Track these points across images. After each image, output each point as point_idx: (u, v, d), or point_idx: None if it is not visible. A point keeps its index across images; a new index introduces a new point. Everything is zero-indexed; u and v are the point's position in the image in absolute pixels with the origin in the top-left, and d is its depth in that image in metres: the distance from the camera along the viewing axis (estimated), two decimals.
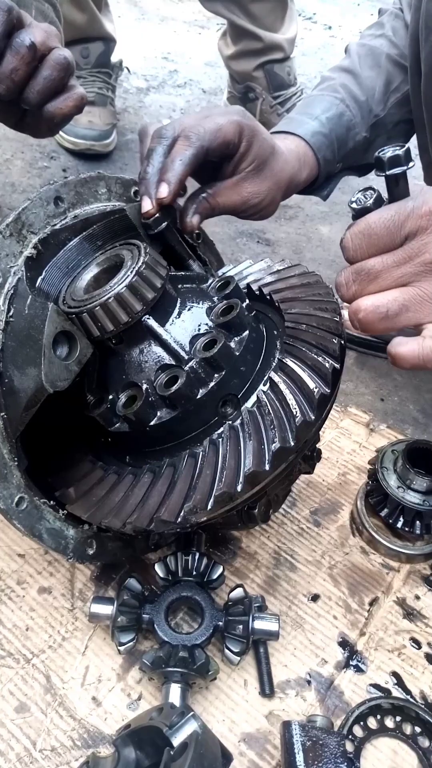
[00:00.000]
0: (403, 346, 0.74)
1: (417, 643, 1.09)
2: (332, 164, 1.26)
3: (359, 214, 0.77)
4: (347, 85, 1.31)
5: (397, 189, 0.76)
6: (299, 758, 0.86)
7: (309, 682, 1.03)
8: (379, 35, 1.36)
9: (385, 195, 0.78)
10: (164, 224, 0.96)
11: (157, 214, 0.95)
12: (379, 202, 0.77)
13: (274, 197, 1.12)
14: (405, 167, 0.74)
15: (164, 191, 0.94)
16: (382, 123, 1.32)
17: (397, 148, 0.75)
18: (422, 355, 0.73)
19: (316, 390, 0.83)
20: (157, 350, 0.89)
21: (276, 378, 0.87)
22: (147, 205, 0.95)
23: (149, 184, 0.95)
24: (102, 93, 2.38)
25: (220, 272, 1.12)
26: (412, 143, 1.50)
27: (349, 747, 0.95)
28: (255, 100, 2.60)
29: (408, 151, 0.75)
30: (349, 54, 1.37)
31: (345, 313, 1.74)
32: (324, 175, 1.27)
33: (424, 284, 0.72)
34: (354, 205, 0.77)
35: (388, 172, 0.74)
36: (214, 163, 1.04)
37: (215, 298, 0.94)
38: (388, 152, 0.74)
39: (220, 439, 0.85)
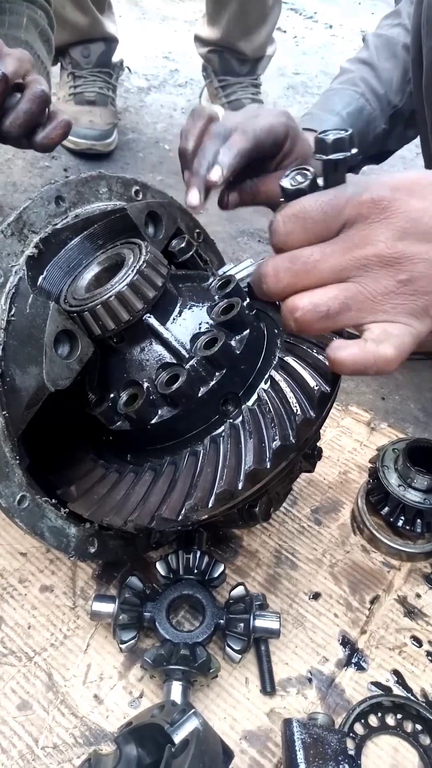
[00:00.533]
0: (343, 351, 0.65)
1: (418, 641, 1.09)
2: (354, 158, 1.28)
3: (292, 196, 0.68)
4: (366, 78, 1.33)
5: (335, 176, 0.68)
6: (300, 756, 0.86)
7: (310, 680, 1.03)
8: (396, 24, 1.37)
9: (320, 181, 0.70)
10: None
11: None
12: (314, 187, 0.69)
13: None
14: (348, 153, 0.68)
15: (216, 174, 0.94)
16: (400, 113, 1.33)
17: (342, 131, 0.68)
18: (364, 361, 0.65)
19: (316, 388, 0.83)
20: (158, 349, 0.90)
21: (277, 376, 0.87)
22: (194, 198, 0.97)
23: (200, 178, 0.97)
24: (103, 93, 2.38)
25: (220, 271, 1.12)
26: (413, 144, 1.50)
27: (350, 745, 0.95)
28: (207, 79, 2.63)
29: (352, 136, 0.69)
30: (367, 45, 1.38)
31: None
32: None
33: (367, 281, 0.65)
34: (288, 185, 0.69)
35: (329, 156, 0.67)
36: (259, 161, 1.07)
37: (216, 297, 0.94)
38: (331, 135, 0.68)
39: (221, 438, 0.86)
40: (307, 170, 0.69)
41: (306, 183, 0.68)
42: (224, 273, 1.08)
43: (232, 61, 2.50)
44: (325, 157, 0.67)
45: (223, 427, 0.88)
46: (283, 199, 0.70)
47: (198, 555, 1.08)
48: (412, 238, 0.64)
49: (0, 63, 0.96)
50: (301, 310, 0.65)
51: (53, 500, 0.93)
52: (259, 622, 1.01)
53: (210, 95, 2.64)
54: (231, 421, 0.87)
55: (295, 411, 0.82)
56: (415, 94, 1.30)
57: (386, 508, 1.17)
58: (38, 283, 0.90)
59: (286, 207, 0.68)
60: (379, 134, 1.31)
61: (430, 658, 1.07)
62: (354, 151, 0.68)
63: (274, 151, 1.05)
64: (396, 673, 1.05)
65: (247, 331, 0.91)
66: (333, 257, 0.65)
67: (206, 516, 0.81)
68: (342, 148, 0.67)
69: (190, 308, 0.93)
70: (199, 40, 2.57)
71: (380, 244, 0.64)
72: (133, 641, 1.00)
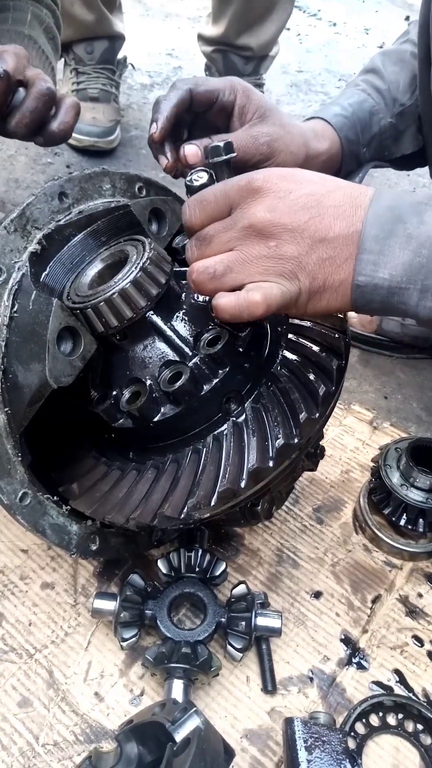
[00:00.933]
0: (222, 298, 0.78)
1: (419, 641, 1.09)
2: (357, 146, 1.28)
3: (195, 191, 0.85)
4: (368, 80, 1.35)
5: (222, 174, 0.87)
6: (301, 755, 0.86)
7: (311, 679, 1.03)
8: (404, 41, 1.39)
9: None
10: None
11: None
12: (211, 183, 0.86)
13: (287, 146, 1.13)
14: (224, 157, 0.86)
15: (152, 128, 1.02)
16: (410, 112, 1.32)
17: (221, 141, 0.87)
18: (237, 305, 0.77)
19: (320, 387, 0.83)
20: (161, 346, 0.89)
21: (280, 375, 0.87)
22: (163, 161, 1.04)
23: (158, 146, 1.05)
24: (106, 89, 2.37)
25: None
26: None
27: (351, 744, 0.95)
28: None
29: (229, 144, 0.87)
30: (373, 58, 1.40)
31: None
32: (350, 157, 1.29)
33: (245, 248, 0.78)
34: (190, 183, 0.86)
35: (210, 161, 0.86)
36: (218, 124, 1.10)
37: None
38: (211, 145, 0.88)
39: (224, 436, 0.85)
40: (206, 170, 0.87)
41: (205, 179, 0.86)
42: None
43: (236, 60, 2.49)
44: (211, 161, 0.86)
45: (226, 425, 0.88)
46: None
47: (200, 553, 1.07)
48: (279, 212, 0.77)
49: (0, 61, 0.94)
50: (195, 272, 0.79)
51: (55, 497, 0.93)
52: (261, 621, 1.01)
53: None
54: (234, 419, 0.87)
55: (298, 409, 0.82)
56: (420, 95, 1.29)
57: (388, 508, 1.17)
58: (41, 280, 0.89)
59: (192, 197, 0.84)
60: (387, 128, 1.31)
61: (431, 657, 1.07)
62: (233, 155, 0.87)
63: (226, 105, 1.07)
64: (397, 672, 1.05)
65: (250, 329, 0.91)
66: (222, 231, 0.80)
67: (209, 514, 0.81)
68: (218, 154, 0.86)
69: (194, 305, 0.93)
70: (202, 38, 2.55)
71: (254, 216, 0.77)
72: (134, 639, 1.00)
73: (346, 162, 1.27)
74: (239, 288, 0.78)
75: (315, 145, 1.20)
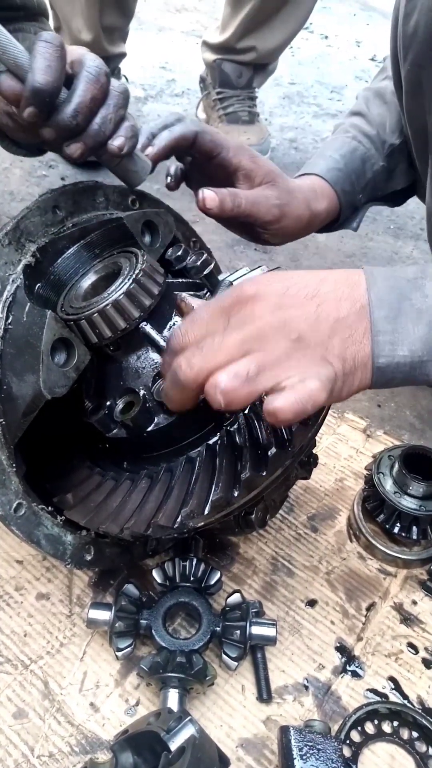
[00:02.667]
0: (277, 400, 0.70)
1: (414, 648, 1.09)
2: (353, 195, 1.31)
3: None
4: (356, 124, 1.37)
5: (210, 283, 0.96)
6: (297, 763, 0.86)
7: (306, 687, 1.03)
8: (383, 78, 1.41)
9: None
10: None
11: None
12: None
13: (293, 211, 1.17)
14: (207, 270, 0.96)
15: (149, 149, 1.03)
16: (400, 150, 1.35)
17: (200, 256, 0.97)
18: (300, 400, 0.69)
19: None
20: (155, 357, 0.90)
21: None
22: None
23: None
24: None
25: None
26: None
27: (347, 752, 0.95)
28: (203, 92, 2.63)
29: (216, 265, 0.97)
30: (357, 100, 1.42)
31: None
32: (348, 207, 1.31)
33: (266, 345, 0.71)
34: (183, 305, 0.91)
35: (197, 278, 0.95)
36: (216, 178, 1.12)
37: None
38: (191, 261, 0.97)
39: (217, 445, 0.86)
40: (198, 295, 0.92)
41: (199, 302, 0.90)
42: (221, 281, 1.09)
43: (230, 71, 2.51)
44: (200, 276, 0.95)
45: (219, 435, 0.88)
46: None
47: (194, 562, 1.08)
48: (287, 306, 0.73)
49: (93, 59, 0.83)
50: (223, 381, 0.70)
51: (49, 508, 0.93)
52: (256, 630, 1.01)
53: (206, 107, 2.65)
54: (227, 428, 0.88)
55: None
56: (402, 119, 1.31)
57: (382, 515, 1.18)
58: (35, 292, 0.90)
59: (184, 319, 0.83)
60: (379, 171, 1.34)
61: (426, 664, 1.08)
62: (220, 277, 0.98)
63: (226, 164, 1.10)
64: (392, 680, 1.05)
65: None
66: (233, 334, 0.72)
67: (202, 523, 0.82)
68: (202, 270, 0.96)
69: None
70: (206, 45, 2.56)
71: (265, 316, 0.72)
72: (129, 649, 1.00)
73: (344, 212, 1.31)
74: (272, 390, 0.71)
75: (316, 206, 1.23)
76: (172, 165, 1.13)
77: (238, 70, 2.50)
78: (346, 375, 0.75)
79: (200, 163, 1.12)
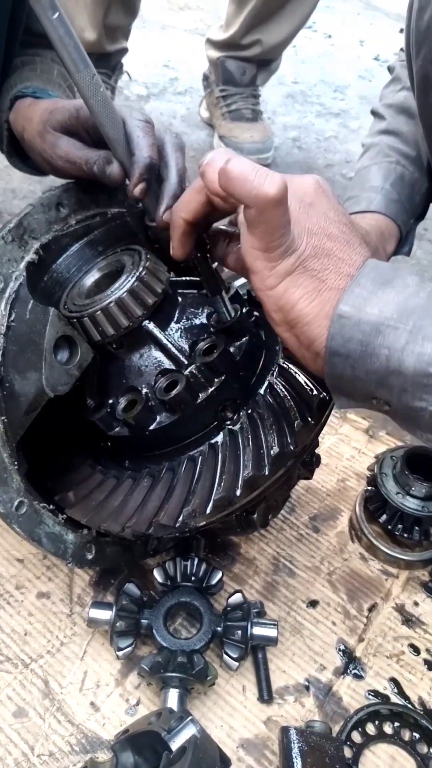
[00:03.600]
0: (237, 161, 0.67)
1: (416, 650, 1.09)
2: (407, 222, 1.30)
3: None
4: (394, 146, 1.33)
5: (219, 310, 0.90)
6: (297, 764, 0.86)
7: (307, 688, 1.03)
8: (399, 89, 1.38)
9: None
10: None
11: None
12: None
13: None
14: (229, 320, 0.89)
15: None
16: None
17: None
18: (254, 171, 0.66)
19: (315, 395, 0.83)
20: (157, 355, 0.90)
21: (275, 383, 0.88)
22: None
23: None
24: None
25: None
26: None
27: (348, 753, 0.94)
28: (207, 90, 2.63)
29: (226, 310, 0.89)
30: (380, 117, 1.40)
31: None
32: (405, 235, 1.30)
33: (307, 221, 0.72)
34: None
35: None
36: None
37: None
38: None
39: (219, 444, 0.86)
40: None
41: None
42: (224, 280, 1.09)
43: (234, 69, 2.50)
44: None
45: (221, 434, 0.88)
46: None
47: (195, 562, 1.07)
48: (323, 189, 0.73)
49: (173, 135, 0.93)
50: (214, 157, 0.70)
51: (51, 506, 0.93)
52: (257, 630, 1.01)
53: (209, 105, 2.65)
54: (229, 427, 0.87)
55: (293, 418, 0.82)
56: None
57: (384, 516, 1.17)
58: (38, 289, 0.90)
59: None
60: (425, 193, 1.32)
61: (427, 666, 1.07)
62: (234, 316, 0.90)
63: None
64: (394, 681, 1.05)
65: (246, 337, 0.91)
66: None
67: (204, 522, 0.81)
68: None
69: (189, 314, 0.93)
70: (210, 43, 2.55)
71: (305, 177, 0.74)
72: (130, 648, 1.00)
73: (401, 240, 1.29)
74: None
75: (387, 249, 1.21)
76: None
77: (242, 67, 2.49)
78: (301, 269, 0.70)
79: None
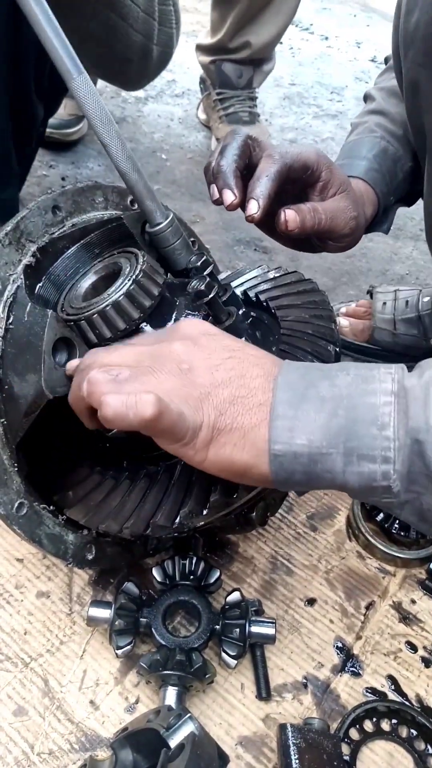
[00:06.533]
0: (112, 395, 0.68)
1: (413, 647, 1.10)
2: (387, 197, 1.30)
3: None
4: (381, 124, 1.34)
5: (213, 310, 0.89)
6: (295, 761, 0.87)
7: (305, 686, 1.04)
8: (392, 77, 1.39)
9: None
10: None
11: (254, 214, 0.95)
12: None
13: (362, 221, 1.14)
14: (210, 296, 0.87)
15: (254, 208, 0.94)
16: None
17: (200, 257, 0.90)
18: (126, 402, 0.67)
19: None
20: None
21: None
22: (230, 196, 0.95)
23: (226, 176, 0.95)
24: None
25: None
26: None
27: (345, 750, 0.95)
28: (204, 92, 2.64)
29: (205, 261, 0.90)
30: (371, 98, 1.41)
31: (339, 320, 1.75)
32: (382, 209, 1.30)
33: (156, 365, 0.73)
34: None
35: (199, 302, 0.88)
36: (296, 188, 1.06)
37: None
38: (192, 262, 0.91)
39: None
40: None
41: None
42: (220, 281, 1.10)
43: (230, 70, 2.51)
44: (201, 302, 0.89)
45: None
46: None
47: (194, 561, 1.08)
48: (200, 347, 0.74)
49: None
50: (94, 368, 0.73)
51: (51, 507, 0.94)
52: (255, 628, 1.02)
53: (206, 108, 2.66)
54: None
55: None
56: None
57: (381, 515, 1.18)
58: (36, 292, 0.91)
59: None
60: (408, 172, 1.32)
61: (424, 663, 1.08)
62: (213, 293, 0.88)
63: (308, 178, 1.04)
64: (391, 678, 1.06)
65: (243, 339, 0.92)
66: (135, 348, 0.78)
67: (202, 523, 0.82)
68: (204, 295, 0.87)
69: (186, 317, 0.94)
70: (200, 48, 2.57)
71: (174, 346, 0.74)
72: (129, 647, 1.01)
73: (379, 214, 1.29)
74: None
75: (368, 212, 1.21)
76: (258, 199, 0.97)
77: (239, 70, 2.50)
78: (216, 431, 0.70)
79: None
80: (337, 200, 1.07)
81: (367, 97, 1.45)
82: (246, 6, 2.30)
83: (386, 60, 1.49)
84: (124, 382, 0.70)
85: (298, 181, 1.05)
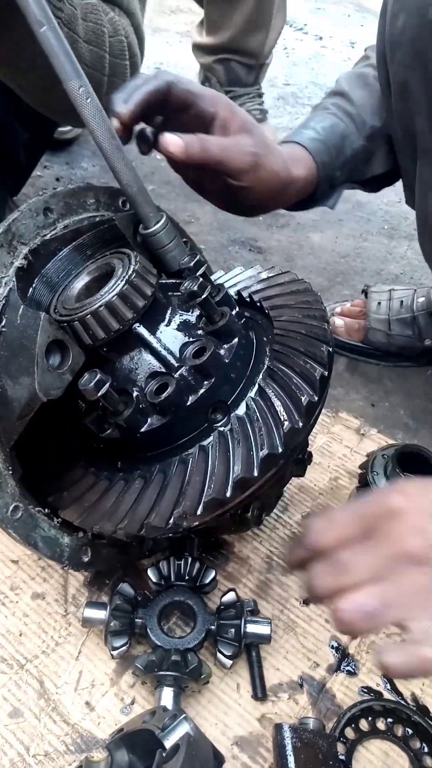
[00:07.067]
0: (387, 655, 0.68)
1: None
2: (331, 170, 1.29)
3: None
4: (337, 103, 1.35)
5: (206, 310, 0.90)
6: (291, 760, 0.87)
7: (301, 685, 1.04)
8: (366, 65, 1.40)
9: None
10: None
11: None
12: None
13: (271, 165, 1.11)
14: (203, 296, 0.88)
15: (120, 107, 0.94)
16: (380, 134, 1.34)
17: (192, 257, 0.93)
18: (409, 664, 0.67)
19: (303, 397, 0.84)
20: (148, 358, 0.91)
21: (265, 385, 0.89)
22: (122, 108, 0.95)
23: (112, 101, 0.96)
24: None
25: None
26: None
27: (341, 749, 0.95)
28: None
29: (198, 261, 0.92)
30: (339, 82, 1.41)
31: (334, 320, 1.75)
32: (325, 181, 1.29)
33: (398, 577, 0.68)
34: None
35: (192, 303, 0.89)
36: (192, 130, 1.04)
37: None
38: (185, 263, 0.94)
39: (210, 446, 0.86)
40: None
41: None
42: (214, 281, 1.10)
43: (239, 69, 2.49)
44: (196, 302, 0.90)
45: (212, 436, 0.89)
46: None
47: (189, 561, 1.08)
48: (430, 533, 0.68)
49: None
50: (347, 611, 0.68)
51: (46, 510, 0.93)
52: (251, 628, 1.02)
53: None
54: (220, 429, 0.88)
55: (282, 419, 0.83)
56: (388, 121, 1.32)
57: None
58: (28, 294, 0.91)
59: (324, 515, 0.77)
60: (359, 151, 1.32)
61: None
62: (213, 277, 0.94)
63: (206, 115, 1.04)
64: (386, 677, 1.06)
65: (236, 339, 0.92)
66: (367, 555, 0.70)
67: (196, 523, 0.82)
68: (197, 296, 0.88)
69: (179, 317, 0.94)
70: (201, 48, 2.54)
71: (403, 541, 0.69)
72: (124, 648, 1.01)
73: (321, 186, 1.29)
74: (397, 624, 0.70)
75: (294, 170, 1.19)
76: (146, 128, 1.02)
77: (247, 67, 2.49)
78: None
79: (174, 118, 1.04)
80: (236, 138, 1.06)
81: (337, 82, 1.46)
82: (253, 6, 2.29)
83: (366, 49, 1.49)
84: (381, 614, 0.68)
85: (189, 115, 1.03)
